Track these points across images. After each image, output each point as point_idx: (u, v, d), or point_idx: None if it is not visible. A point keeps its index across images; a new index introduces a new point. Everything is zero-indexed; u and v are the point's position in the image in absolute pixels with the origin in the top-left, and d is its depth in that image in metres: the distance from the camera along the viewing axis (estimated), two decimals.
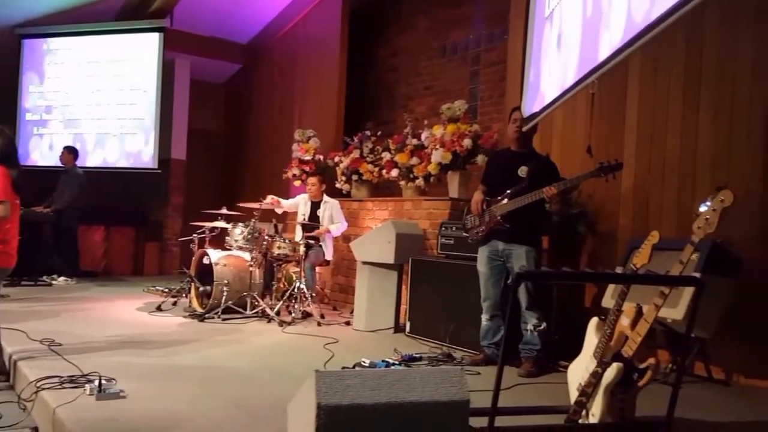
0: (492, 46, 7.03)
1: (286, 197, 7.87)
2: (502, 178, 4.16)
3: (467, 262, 4.63)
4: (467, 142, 5.52)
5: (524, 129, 4.11)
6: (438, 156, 5.65)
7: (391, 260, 5.30)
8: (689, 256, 2.69)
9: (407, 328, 5.22)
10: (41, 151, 9.09)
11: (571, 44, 3.38)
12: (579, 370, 2.90)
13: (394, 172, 6.29)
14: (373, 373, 2.45)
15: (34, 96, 9.12)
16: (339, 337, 5.02)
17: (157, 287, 7.31)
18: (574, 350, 3.01)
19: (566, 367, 3.05)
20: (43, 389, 3.23)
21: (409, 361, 4.17)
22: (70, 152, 8.07)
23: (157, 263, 9.60)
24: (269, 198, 6.31)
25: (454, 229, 5.01)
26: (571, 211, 4.67)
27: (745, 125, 4.15)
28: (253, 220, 5.98)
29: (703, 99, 4.40)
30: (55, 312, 5.62)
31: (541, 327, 4.02)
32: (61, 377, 3.39)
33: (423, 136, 6.02)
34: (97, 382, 3.17)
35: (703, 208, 2.64)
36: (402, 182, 6.26)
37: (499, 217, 4.06)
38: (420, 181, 6.05)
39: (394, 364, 3.91)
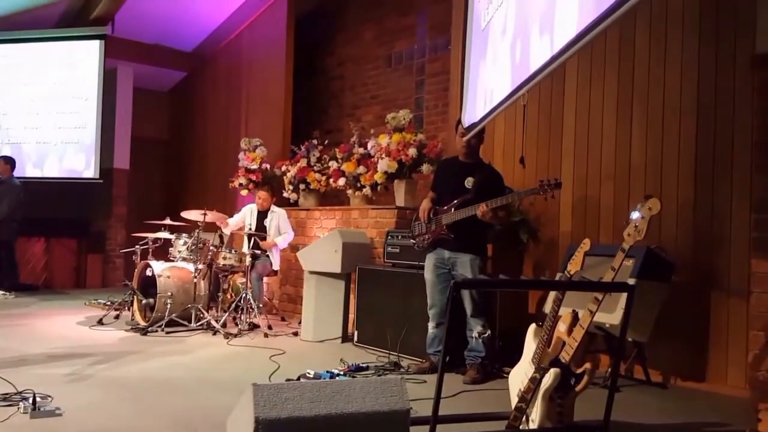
0: (436, 57, 7.13)
1: (233, 207, 7.81)
2: (450, 188, 4.23)
3: (413, 270, 4.67)
4: (412, 152, 5.58)
5: (468, 139, 4.17)
6: (384, 165, 5.69)
7: (338, 269, 5.30)
8: (620, 263, 2.79)
9: (355, 338, 5.22)
10: None
11: (504, 55, 3.47)
12: (519, 376, 2.97)
13: (341, 181, 6.30)
14: (312, 385, 2.45)
15: None
16: (286, 348, 4.98)
17: (99, 300, 7.10)
18: (518, 356, 3.08)
19: (509, 374, 3.12)
20: None
21: (355, 371, 4.17)
22: (7, 162, 7.79)
23: (99, 275, 9.32)
24: (217, 215, 6.21)
25: (400, 237, 5.05)
26: (513, 218, 4.77)
27: (675, 135, 4.34)
28: (197, 230, 5.88)
29: (636, 109, 4.58)
30: None
31: (486, 334, 4.09)
32: None
33: (369, 145, 6.05)
34: (31, 400, 3.07)
35: (634, 216, 2.75)
36: (349, 191, 6.27)
37: (444, 227, 4.12)
38: (367, 190, 6.07)
39: (339, 375, 3.90)
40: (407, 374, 4.14)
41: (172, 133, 10.96)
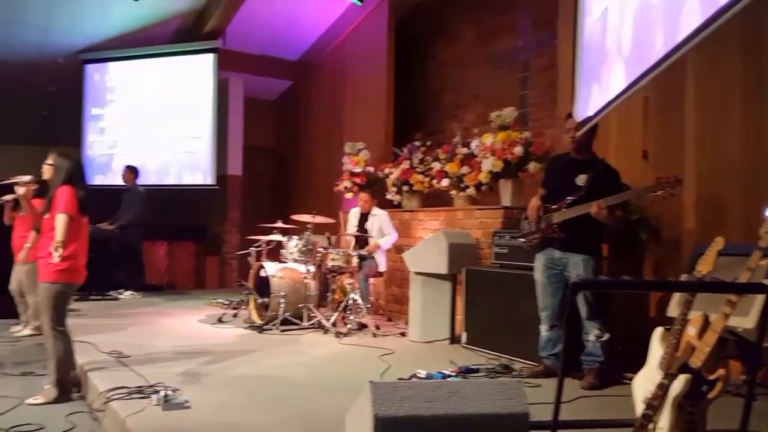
0: (540, 52, 6.95)
1: (337, 209, 7.98)
2: (560, 185, 4.08)
3: (523, 271, 4.57)
4: (518, 150, 5.46)
5: (580, 134, 4.02)
6: (489, 164, 5.61)
7: (443, 270, 5.28)
8: (757, 262, 2.58)
9: (463, 339, 5.18)
10: (104, 170, 9.48)
11: (623, 46, 3.31)
12: (644, 382, 2.82)
13: (445, 182, 6.27)
14: (428, 385, 2.45)
15: (96, 118, 9.55)
16: (395, 348, 5.03)
17: (218, 300, 7.49)
18: (638, 361, 2.93)
19: (631, 379, 2.97)
20: (113, 400, 3.36)
21: (466, 372, 4.14)
22: (131, 171, 8.40)
23: (217, 276, 9.84)
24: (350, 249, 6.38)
25: (508, 237, 4.95)
26: (632, 217, 4.54)
27: None
28: (307, 233, 6.07)
29: (765, 98, 4.22)
30: (122, 325, 5.84)
31: (604, 338, 3.91)
32: (129, 388, 3.52)
33: (473, 145, 5.99)
34: (163, 393, 3.28)
35: None
36: (453, 192, 6.24)
37: (554, 225, 4.00)
38: (471, 190, 6.02)
39: (450, 376, 3.88)
40: (520, 378, 4.05)
41: (278, 141, 11.40)
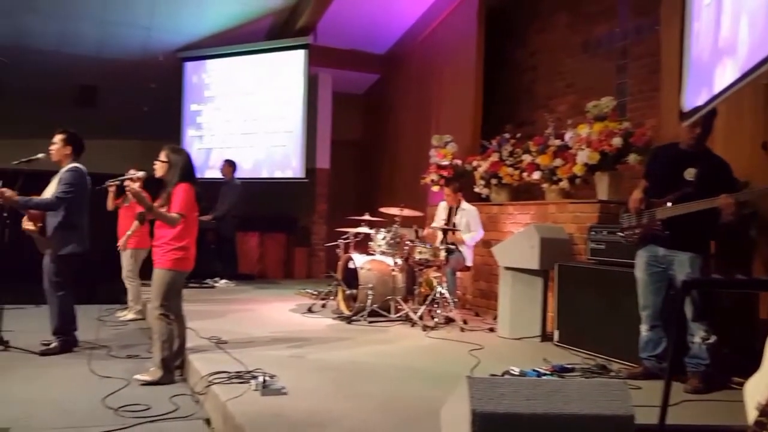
0: (640, 39, 6.62)
1: (424, 203, 7.96)
2: (666, 178, 3.84)
3: (621, 268, 4.38)
4: (617, 141, 5.23)
5: (696, 126, 3.74)
6: (584, 156, 5.41)
7: (535, 266, 5.16)
8: None
9: (555, 337, 5.04)
10: (201, 165, 9.90)
11: (740, 30, 3.08)
12: (758, 387, 2.62)
13: (536, 175, 6.11)
14: (528, 382, 2.40)
15: (194, 114, 9.99)
16: (483, 343, 4.96)
17: (307, 290, 7.68)
18: (748, 366, 2.73)
19: (740, 384, 2.78)
20: (214, 383, 3.50)
21: (560, 371, 4.02)
22: (230, 165, 8.73)
23: (305, 267, 10.09)
24: (427, 230, 6.41)
25: (605, 233, 4.76)
26: (742, 211, 4.24)
27: None
28: (395, 225, 6.10)
29: None
30: (219, 312, 6.09)
31: (710, 340, 3.68)
32: (229, 373, 3.67)
33: (567, 137, 5.79)
34: (261, 378, 3.39)
35: None
36: (544, 185, 6.07)
37: (658, 222, 3.79)
38: (564, 183, 5.83)
39: (545, 374, 3.79)
40: (618, 379, 3.89)
41: (365, 134, 11.51)
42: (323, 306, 6.53)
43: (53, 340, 4.86)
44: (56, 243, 4.80)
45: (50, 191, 4.84)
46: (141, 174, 4.34)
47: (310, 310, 6.34)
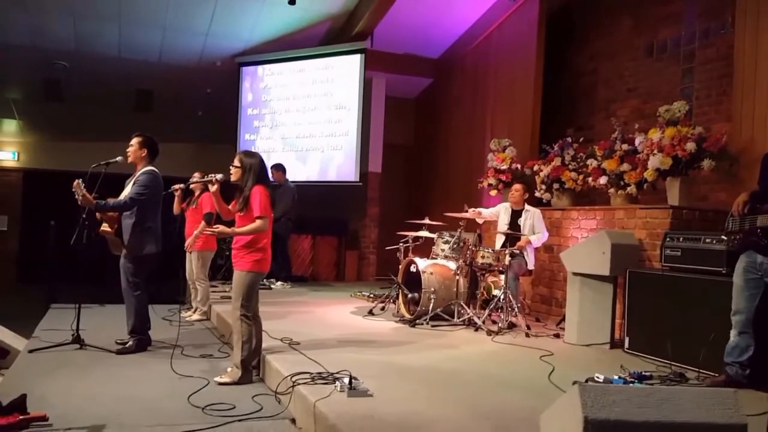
0: (708, 42, 6.49)
1: (476, 207, 7.92)
2: None
3: (697, 275, 4.30)
4: (690, 146, 5.13)
5: None
6: (656, 161, 5.32)
7: (605, 272, 5.08)
8: None
9: (626, 344, 4.96)
10: None
11: None
12: None
13: (602, 180, 6.03)
14: (638, 390, 2.37)
15: (250, 118, 10.15)
16: (552, 349, 4.92)
17: (363, 292, 7.72)
18: None
19: None
20: (299, 384, 3.55)
21: (639, 378, 3.96)
22: (278, 169, 8.83)
23: (355, 270, 10.15)
24: (470, 210, 6.37)
25: (681, 239, 4.68)
26: None
27: None
28: (459, 230, 6.09)
29: None
30: (281, 313, 6.17)
31: None
32: (311, 373, 3.71)
33: (637, 141, 5.70)
34: (347, 380, 3.42)
35: None
36: (611, 190, 5.99)
37: (758, 229, 3.69)
38: (632, 189, 5.75)
39: (631, 382, 3.73)
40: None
41: (417, 138, 11.54)
42: (382, 309, 6.56)
43: (128, 339, 5.00)
44: (132, 244, 4.93)
45: (125, 193, 4.97)
46: (219, 177, 4.42)
47: (370, 313, 6.37)
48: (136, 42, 9.24)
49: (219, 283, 8.44)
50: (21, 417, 3.15)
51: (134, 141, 5.09)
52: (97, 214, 4.91)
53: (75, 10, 8.24)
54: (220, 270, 8.88)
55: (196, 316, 6.57)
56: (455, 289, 5.96)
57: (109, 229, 4.98)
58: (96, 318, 6.19)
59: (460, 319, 5.84)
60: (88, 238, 4.83)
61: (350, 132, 9.15)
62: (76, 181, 4.64)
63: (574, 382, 3.60)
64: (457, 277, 5.95)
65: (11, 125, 12.15)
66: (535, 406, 3.31)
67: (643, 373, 4.04)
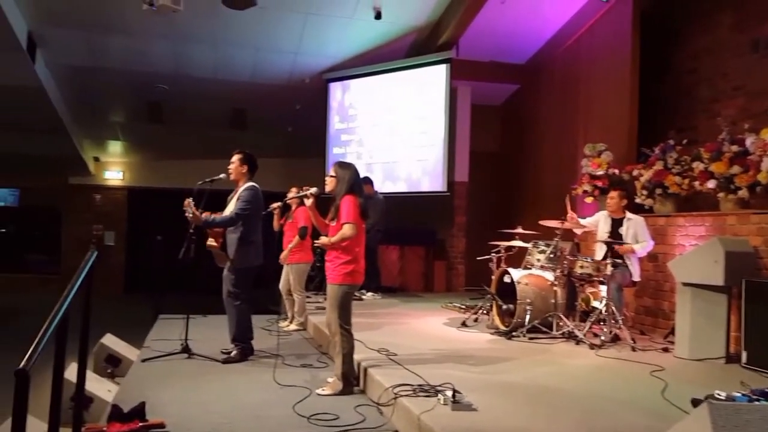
0: None
1: (570, 215, 7.66)
2: None
3: None
4: None
5: None
6: None
7: (719, 281, 4.78)
8: None
9: (743, 358, 4.64)
10: None
11: None
12: None
13: (711, 184, 5.69)
14: None
15: (338, 132, 10.34)
16: (661, 364, 4.66)
17: (454, 303, 7.65)
18: None
19: None
20: (401, 396, 3.54)
21: (761, 396, 3.66)
22: (367, 181, 8.92)
23: (444, 280, 10.08)
24: (569, 216, 6.16)
25: None
26: None
27: None
28: (556, 239, 5.92)
29: None
30: (375, 324, 6.20)
31: None
32: (412, 385, 3.70)
33: (747, 142, 5.35)
34: (450, 393, 3.38)
35: None
36: (720, 194, 5.64)
37: None
38: (743, 192, 5.38)
39: (756, 400, 3.47)
40: None
41: (503, 146, 11.37)
42: (475, 320, 6.46)
43: (232, 348, 5.17)
44: (236, 257, 5.12)
45: (230, 209, 5.17)
46: (314, 190, 4.51)
47: (464, 324, 6.29)
48: (230, 63, 9.64)
49: (312, 293, 8.62)
50: (141, 424, 3.32)
51: (235, 158, 5.28)
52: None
53: (173, 35, 8.70)
54: (312, 281, 9.07)
55: (293, 326, 6.73)
56: (553, 301, 5.78)
57: (214, 244, 5.20)
58: (200, 328, 6.45)
59: (559, 332, 5.66)
60: (195, 252, 5.07)
61: (436, 142, 9.13)
62: (187, 200, 4.86)
63: (694, 400, 3.42)
64: (555, 288, 5.77)
65: (117, 146, 13.00)
66: (652, 426, 3.16)
67: (765, 390, 3.74)
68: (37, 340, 1.93)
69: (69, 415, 3.25)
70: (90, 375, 4.76)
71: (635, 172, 6.75)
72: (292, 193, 6.66)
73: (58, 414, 2.33)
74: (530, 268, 6.12)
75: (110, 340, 5.82)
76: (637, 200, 6.63)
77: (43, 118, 10.15)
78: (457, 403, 3.32)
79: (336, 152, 10.20)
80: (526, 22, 8.88)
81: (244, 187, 5.20)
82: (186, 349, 5.23)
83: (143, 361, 5.06)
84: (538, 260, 6.00)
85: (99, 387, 4.58)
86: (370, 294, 8.50)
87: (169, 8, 6.66)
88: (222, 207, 5.22)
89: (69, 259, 13.13)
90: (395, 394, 3.59)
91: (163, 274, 7.41)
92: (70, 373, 4.02)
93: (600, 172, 7.20)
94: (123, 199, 13.79)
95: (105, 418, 3.42)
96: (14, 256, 15.09)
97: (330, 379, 4.29)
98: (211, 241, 5.19)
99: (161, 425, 3.36)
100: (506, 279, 6.06)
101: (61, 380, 2.37)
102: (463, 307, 7.36)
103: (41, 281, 13.04)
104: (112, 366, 5.58)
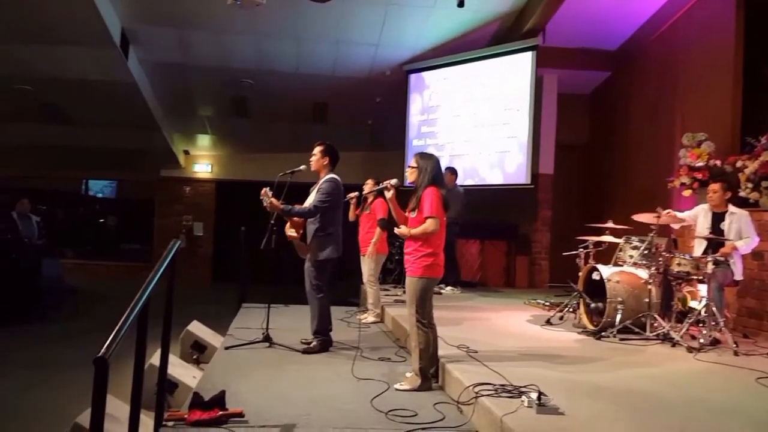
0: None
1: (665, 209, 7.19)
2: None
3: None
4: None
5: None
6: None
7: None
8: None
9: None
10: None
11: None
12: None
13: None
14: None
15: (417, 124, 10.22)
16: None
17: (537, 300, 7.39)
18: None
19: None
20: (482, 396, 3.39)
21: None
22: (452, 173, 8.74)
23: (526, 276, 9.77)
24: (664, 212, 5.75)
25: None
26: None
27: None
28: (651, 234, 5.55)
29: None
30: (455, 320, 6.05)
31: None
32: (494, 385, 3.54)
33: None
34: (534, 395, 3.20)
35: None
36: None
37: None
38: None
39: None
40: None
41: (591, 136, 10.88)
42: (561, 319, 6.19)
43: (312, 339, 5.19)
44: (315, 248, 5.12)
45: (310, 200, 5.18)
46: (394, 182, 4.41)
47: (548, 322, 6.04)
48: (312, 57, 9.72)
49: (390, 286, 8.57)
50: (220, 412, 3.34)
51: (316, 150, 5.28)
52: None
53: (257, 30, 8.85)
54: (391, 274, 9.03)
55: (370, 318, 6.69)
56: (646, 300, 5.42)
57: (295, 234, 5.23)
58: (281, 317, 6.54)
59: (653, 333, 5.30)
60: (276, 242, 5.11)
61: (520, 133, 8.82)
62: (264, 189, 4.92)
63: None
64: (649, 287, 5.41)
65: (205, 140, 13.46)
66: None
67: None
68: (117, 328, 1.94)
69: (154, 399, 3.32)
70: (176, 361, 4.91)
71: (739, 164, 6.24)
72: (369, 185, 6.62)
73: (138, 399, 2.36)
74: (621, 265, 5.78)
75: (196, 327, 5.99)
76: (741, 194, 6.12)
77: (137, 113, 10.64)
78: (542, 405, 3.14)
79: (416, 144, 10.08)
80: (618, 6, 8.40)
81: (324, 178, 5.19)
82: (267, 338, 5.29)
83: (226, 348, 5.15)
84: (631, 257, 5.66)
85: (184, 373, 4.69)
86: (449, 288, 8.35)
87: (253, 2, 6.76)
88: (303, 199, 5.24)
89: (160, 249, 13.55)
90: (476, 393, 3.45)
91: (246, 263, 7.58)
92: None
93: (700, 164, 6.72)
94: (211, 191, 14.26)
95: (187, 405, 3.47)
96: (112, 245, 16.01)
97: (408, 374, 4.20)
98: (291, 232, 5.22)
99: (240, 414, 3.38)
100: (595, 276, 5.75)
101: (142, 366, 2.40)
102: (547, 304, 7.09)
103: (135, 269, 13.71)
104: (198, 352, 5.73)
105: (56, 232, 15.02)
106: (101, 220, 16.45)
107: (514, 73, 8.90)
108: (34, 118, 11.29)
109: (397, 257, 8.82)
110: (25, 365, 6.10)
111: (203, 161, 14.12)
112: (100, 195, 17.28)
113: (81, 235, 15.93)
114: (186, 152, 13.96)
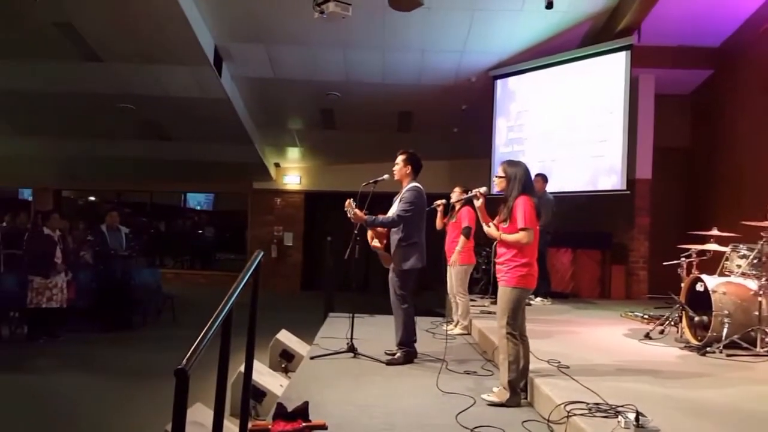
0: None
1: None
2: None
3: None
4: None
5: None
6: None
7: None
8: None
9: None
10: None
11: None
12: None
13: None
14: None
15: (504, 131, 9.98)
16: None
17: (635, 312, 6.99)
18: None
19: None
20: (575, 415, 3.20)
21: None
22: (542, 179, 8.45)
23: (623, 287, 9.28)
24: None
25: None
26: None
27: None
28: (761, 242, 5.10)
29: None
30: (547, 333, 5.81)
31: None
32: (588, 403, 3.34)
33: None
34: (632, 415, 2.99)
35: None
36: None
37: None
38: None
39: None
40: None
41: (694, 139, 10.22)
42: (661, 332, 5.80)
43: (397, 350, 5.13)
44: (398, 258, 5.07)
45: (393, 210, 5.14)
46: (483, 190, 4.28)
47: (647, 336, 5.67)
48: (397, 67, 9.73)
49: (477, 297, 8.38)
50: (304, 424, 3.34)
51: (399, 159, 5.24)
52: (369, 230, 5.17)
53: (344, 42, 8.97)
54: (477, 284, 8.84)
55: (457, 330, 6.56)
56: (756, 313, 4.97)
57: (378, 245, 5.20)
58: (366, 328, 6.53)
59: (764, 349, 4.85)
60: (360, 252, 5.11)
61: (614, 136, 8.40)
62: (348, 200, 4.94)
63: None
64: (759, 299, 4.97)
65: (295, 152, 13.82)
66: None
67: None
68: (199, 339, 1.95)
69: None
70: (264, 369, 5.00)
71: None
72: (456, 193, 6.50)
73: (222, 408, 2.38)
74: (728, 276, 5.35)
75: (285, 336, 6.08)
76: None
77: (231, 128, 11.08)
78: (641, 427, 2.92)
79: (503, 151, 9.85)
80: (720, 0, 7.85)
81: (407, 187, 5.14)
82: (351, 348, 5.28)
83: (311, 358, 5.19)
84: (739, 266, 5.22)
85: (272, 381, 4.76)
86: (539, 299, 8.06)
87: (339, 14, 6.85)
88: (387, 208, 5.21)
89: None
90: (568, 411, 3.26)
91: (332, 273, 7.66)
92: None
93: None
94: (300, 202, 14.61)
95: (271, 415, 3.50)
96: (208, 255, 16.74)
97: (496, 388, 4.05)
98: (375, 242, 5.21)
99: (323, 427, 3.37)
100: (698, 287, 5.35)
101: (225, 375, 2.42)
102: (646, 317, 6.69)
103: (230, 278, 14.23)
104: (286, 361, 5.81)
105: (158, 243, 15.90)
106: (199, 231, 17.23)
107: (606, 75, 8.51)
108: (135, 135, 12.02)
109: (483, 267, 8.62)
110: (125, 371, 6.44)
111: (293, 173, 14.50)
112: (198, 207, 18.12)
113: (180, 245, 16.76)
114: (277, 165, 14.39)
